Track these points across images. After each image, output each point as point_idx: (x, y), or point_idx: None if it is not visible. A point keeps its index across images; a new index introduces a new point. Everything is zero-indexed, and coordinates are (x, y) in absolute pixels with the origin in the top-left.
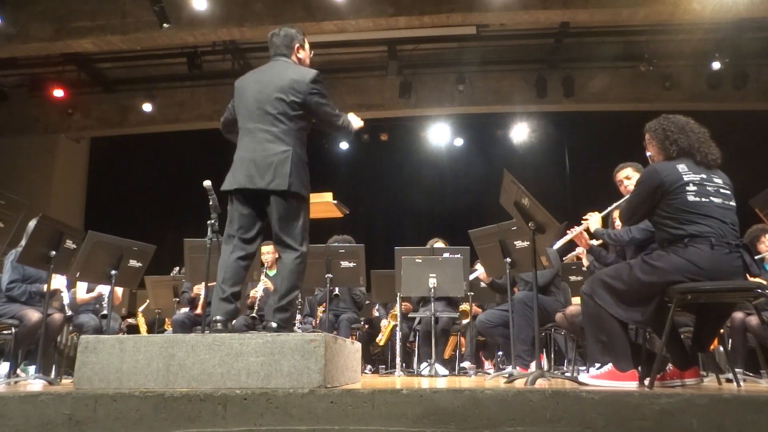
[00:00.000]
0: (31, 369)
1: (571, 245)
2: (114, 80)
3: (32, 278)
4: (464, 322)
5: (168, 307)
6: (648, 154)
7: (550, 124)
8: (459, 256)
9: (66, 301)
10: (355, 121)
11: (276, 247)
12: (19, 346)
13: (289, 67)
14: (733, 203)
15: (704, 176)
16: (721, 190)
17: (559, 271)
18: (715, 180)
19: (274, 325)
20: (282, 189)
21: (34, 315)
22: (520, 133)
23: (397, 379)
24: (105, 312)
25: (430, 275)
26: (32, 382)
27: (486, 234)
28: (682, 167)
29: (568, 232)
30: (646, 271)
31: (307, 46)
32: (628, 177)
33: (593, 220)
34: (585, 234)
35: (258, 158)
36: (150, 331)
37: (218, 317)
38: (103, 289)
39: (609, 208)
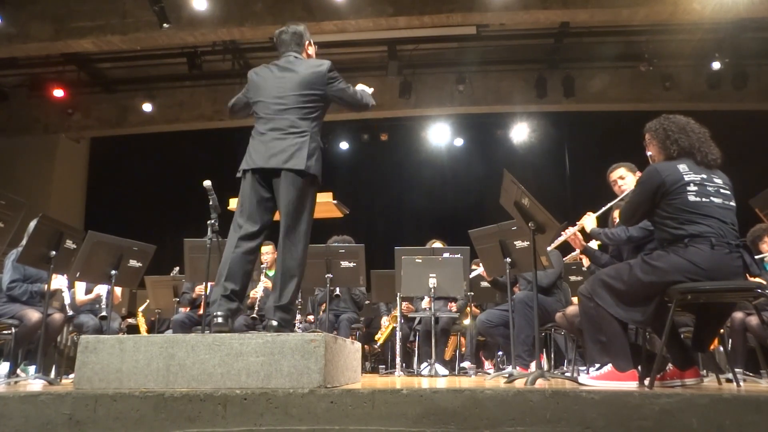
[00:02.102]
0: (31, 369)
1: (572, 246)
2: (114, 80)
3: (33, 278)
4: (465, 322)
5: (168, 307)
6: (648, 153)
7: (550, 124)
8: (459, 256)
9: (67, 300)
10: (368, 90)
11: (281, 231)
12: (19, 346)
13: (302, 61)
14: (733, 203)
15: (704, 176)
16: (722, 190)
17: (562, 271)
18: (716, 180)
19: (274, 323)
20: (299, 168)
21: (34, 315)
22: (520, 133)
23: (397, 379)
24: (104, 313)
25: (430, 275)
26: (32, 382)
27: (486, 234)
28: (682, 167)
29: (562, 233)
30: (646, 271)
31: (313, 42)
32: (622, 177)
33: (588, 221)
34: (579, 235)
35: (276, 144)
36: (150, 331)
37: (219, 313)
38: (101, 290)
39: (603, 209)
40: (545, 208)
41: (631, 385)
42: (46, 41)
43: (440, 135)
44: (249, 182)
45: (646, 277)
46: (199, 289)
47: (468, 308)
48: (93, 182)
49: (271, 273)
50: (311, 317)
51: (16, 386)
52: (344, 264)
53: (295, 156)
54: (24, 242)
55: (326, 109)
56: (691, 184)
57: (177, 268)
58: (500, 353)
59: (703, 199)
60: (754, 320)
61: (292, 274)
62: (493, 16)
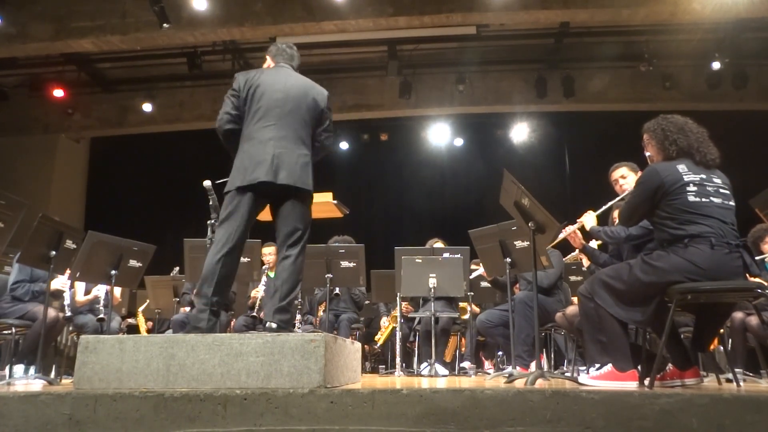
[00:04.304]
0: (30, 369)
1: (572, 244)
2: (114, 80)
3: (41, 279)
4: (464, 317)
5: (168, 307)
6: (647, 154)
7: (550, 124)
8: (459, 256)
9: (67, 301)
10: None
11: (285, 244)
12: (30, 345)
13: (305, 78)
14: (732, 203)
15: (704, 176)
16: (721, 190)
17: (562, 271)
18: (715, 180)
19: (274, 325)
20: (307, 189)
21: (49, 314)
22: (520, 133)
23: (397, 379)
24: (102, 315)
25: (430, 275)
26: (32, 382)
27: (486, 234)
28: (682, 167)
29: (562, 231)
30: (646, 271)
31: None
32: (624, 176)
33: (588, 219)
34: (578, 233)
35: (284, 155)
36: (150, 331)
37: (202, 327)
38: (99, 291)
39: (603, 207)
40: (545, 208)
41: (631, 385)
42: (46, 41)
43: (440, 135)
44: (249, 197)
45: (646, 277)
46: None
47: (466, 305)
48: (93, 182)
49: (272, 274)
50: (310, 317)
51: (16, 386)
52: (344, 264)
53: (303, 174)
54: None
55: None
56: (691, 185)
57: (177, 268)
58: (500, 353)
59: (703, 199)
60: (754, 320)
61: (294, 283)
62: (493, 16)
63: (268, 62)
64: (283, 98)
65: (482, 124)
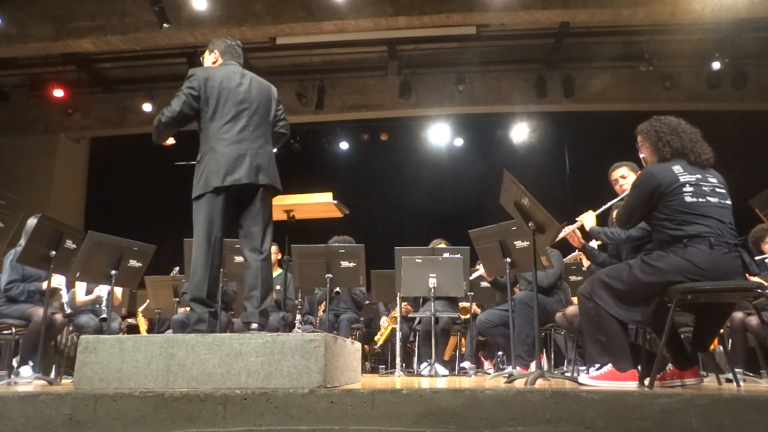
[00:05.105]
0: (28, 368)
1: (571, 244)
2: (114, 80)
3: (32, 278)
4: (464, 317)
5: (168, 307)
6: (641, 156)
7: (550, 124)
8: (459, 256)
9: (65, 299)
10: None
11: (258, 242)
12: (29, 345)
13: (256, 75)
14: (728, 202)
15: (699, 176)
16: (717, 190)
17: (562, 271)
18: (710, 180)
19: (255, 326)
20: (279, 189)
21: (41, 313)
22: (520, 133)
23: (397, 379)
24: (104, 315)
25: (430, 275)
26: (32, 381)
27: (486, 234)
28: (677, 168)
29: (561, 230)
30: (646, 271)
31: None
32: (624, 176)
33: (587, 219)
34: (578, 233)
35: (260, 155)
36: (150, 331)
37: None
38: (101, 291)
39: (603, 207)
40: (545, 208)
41: (631, 385)
42: (46, 41)
43: (440, 135)
44: (224, 198)
45: (645, 278)
46: None
47: (467, 305)
48: (93, 182)
49: (275, 274)
50: (310, 317)
51: (16, 386)
52: (344, 264)
53: (276, 173)
54: (22, 242)
55: None
56: (687, 185)
57: (177, 268)
58: (500, 353)
59: (700, 200)
60: (754, 320)
61: (270, 286)
62: (493, 16)
63: (216, 57)
64: (248, 98)
65: (482, 124)
